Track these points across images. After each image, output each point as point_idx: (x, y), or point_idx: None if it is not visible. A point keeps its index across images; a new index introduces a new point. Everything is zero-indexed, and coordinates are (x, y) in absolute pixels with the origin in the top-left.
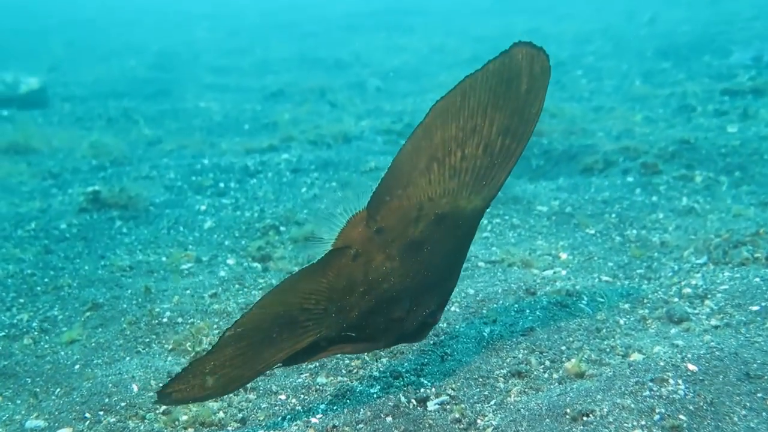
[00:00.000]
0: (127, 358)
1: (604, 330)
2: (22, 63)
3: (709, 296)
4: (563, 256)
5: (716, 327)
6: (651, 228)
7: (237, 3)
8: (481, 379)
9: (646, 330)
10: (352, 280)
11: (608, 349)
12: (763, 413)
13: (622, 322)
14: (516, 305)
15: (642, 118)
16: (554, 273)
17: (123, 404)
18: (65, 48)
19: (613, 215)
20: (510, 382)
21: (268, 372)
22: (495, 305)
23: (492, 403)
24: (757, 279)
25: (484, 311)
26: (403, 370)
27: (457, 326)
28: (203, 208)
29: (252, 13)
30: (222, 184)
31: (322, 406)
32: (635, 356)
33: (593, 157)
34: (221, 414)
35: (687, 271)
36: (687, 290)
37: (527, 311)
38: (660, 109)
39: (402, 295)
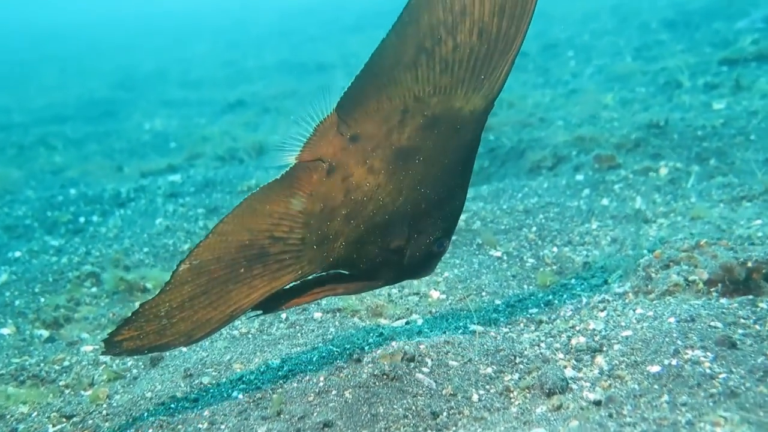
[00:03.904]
0: None
1: (445, 414)
2: None
3: (604, 348)
4: (435, 294)
5: (597, 403)
6: (578, 243)
7: (247, 15)
8: None
9: (507, 409)
10: (330, 202)
11: None
12: None
13: (475, 397)
14: (320, 384)
15: (615, 99)
16: (407, 323)
17: None
18: (58, 74)
19: (533, 229)
20: None
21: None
22: (295, 385)
23: None
24: (672, 320)
25: (274, 395)
26: None
27: None
28: (18, 255)
29: (258, 22)
30: (82, 219)
31: None
32: None
33: (542, 153)
34: None
35: (591, 308)
36: (579, 340)
37: (333, 393)
38: (642, 88)
39: (397, 218)
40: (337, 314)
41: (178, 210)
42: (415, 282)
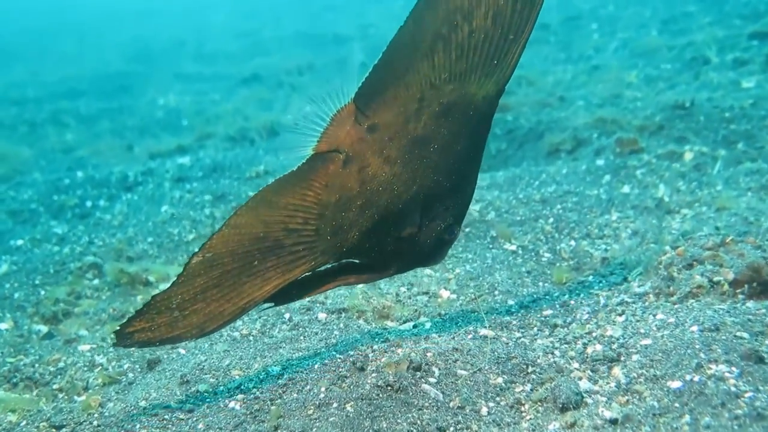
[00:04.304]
0: None
1: (452, 429)
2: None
3: (622, 358)
4: (445, 294)
5: (613, 422)
6: (597, 236)
7: None
8: None
9: (518, 424)
10: (345, 193)
11: None
12: None
13: (485, 410)
14: (321, 396)
15: (639, 77)
16: (414, 327)
17: None
18: (76, 45)
19: (550, 220)
20: None
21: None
22: (295, 395)
23: None
24: (694, 329)
25: (272, 407)
26: None
27: None
28: (20, 243)
29: None
30: (89, 203)
31: None
32: None
33: (561, 136)
34: None
35: (609, 311)
36: (596, 348)
37: (333, 406)
38: (668, 64)
39: (410, 207)
40: (342, 315)
41: (184, 197)
42: (425, 280)
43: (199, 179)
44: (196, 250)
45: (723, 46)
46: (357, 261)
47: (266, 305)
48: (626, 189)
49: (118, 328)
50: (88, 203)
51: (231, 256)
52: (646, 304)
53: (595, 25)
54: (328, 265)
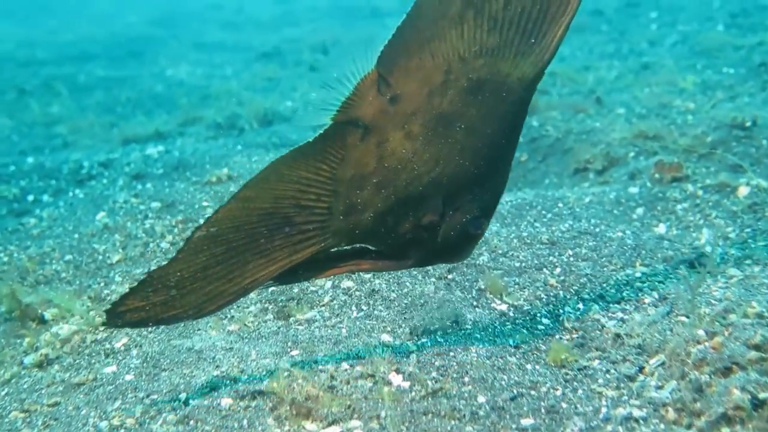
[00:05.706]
0: None
1: None
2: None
3: None
4: (396, 380)
5: None
6: (613, 299)
7: None
8: None
9: None
10: (361, 168)
11: None
12: None
13: None
14: None
15: (695, 82)
16: None
17: None
18: (111, 3)
19: (557, 271)
20: None
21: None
22: None
23: None
24: None
25: None
26: None
27: None
28: None
29: None
30: (31, 197)
31: None
32: None
33: (592, 152)
34: None
35: None
36: None
37: None
38: (731, 69)
39: (431, 190)
40: (252, 404)
41: (129, 201)
42: (379, 351)
43: (156, 178)
44: (201, 223)
45: None
46: (372, 247)
47: (268, 284)
48: (661, 229)
49: (109, 306)
50: (30, 197)
51: (237, 232)
52: (661, 426)
53: (655, 14)
54: (340, 248)
